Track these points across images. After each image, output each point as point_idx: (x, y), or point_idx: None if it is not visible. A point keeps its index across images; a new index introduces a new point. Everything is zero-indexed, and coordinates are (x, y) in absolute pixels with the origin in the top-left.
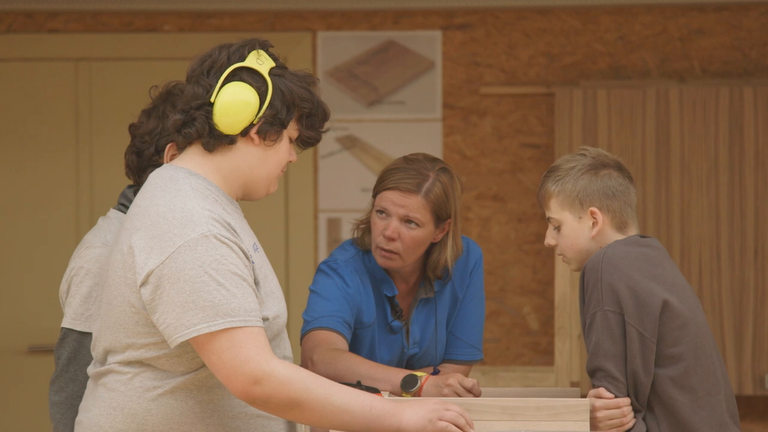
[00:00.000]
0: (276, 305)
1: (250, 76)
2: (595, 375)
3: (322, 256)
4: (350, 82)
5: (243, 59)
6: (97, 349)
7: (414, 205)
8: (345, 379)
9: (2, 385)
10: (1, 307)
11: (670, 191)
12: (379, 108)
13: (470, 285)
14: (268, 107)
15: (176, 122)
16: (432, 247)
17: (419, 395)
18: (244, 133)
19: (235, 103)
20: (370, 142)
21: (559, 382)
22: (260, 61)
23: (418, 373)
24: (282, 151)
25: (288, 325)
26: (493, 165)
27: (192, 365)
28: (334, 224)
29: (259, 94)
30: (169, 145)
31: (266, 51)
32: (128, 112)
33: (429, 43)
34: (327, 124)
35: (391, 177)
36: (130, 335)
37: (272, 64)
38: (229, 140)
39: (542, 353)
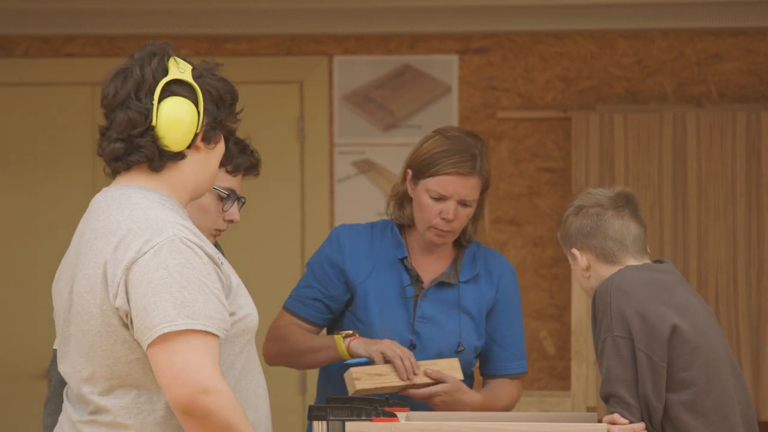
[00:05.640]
0: (249, 305)
1: (179, 87)
2: (608, 401)
3: None
4: (366, 106)
5: (167, 72)
6: (74, 386)
7: (473, 186)
8: (296, 352)
9: (18, 411)
10: (18, 332)
11: (687, 216)
12: (396, 132)
13: (506, 294)
14: (204, 113)
15: (116, 151)
16: None
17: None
18: (190, 144)
19: (177, 120)
20: (386, 166)
21: (575, 406)
22: (181, 69)
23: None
24: (221, 147)
25: None
26: (509, 189)
27: None
28: None
29: (193, 102)
30: None
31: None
32: None
33: (445, 67)
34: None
35: (446, 161)
36: (109, 356)
37: (189, 67)
38: (180, 156)
39: (558, 378)
